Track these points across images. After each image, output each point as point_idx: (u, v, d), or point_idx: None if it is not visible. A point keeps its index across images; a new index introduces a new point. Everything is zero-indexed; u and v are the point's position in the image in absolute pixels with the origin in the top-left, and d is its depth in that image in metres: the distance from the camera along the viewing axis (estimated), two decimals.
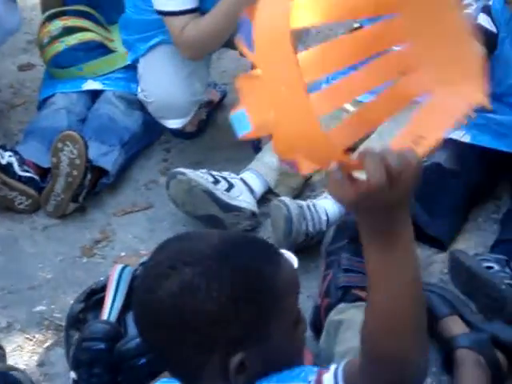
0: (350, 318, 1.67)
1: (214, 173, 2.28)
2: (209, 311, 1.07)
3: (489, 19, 2.20)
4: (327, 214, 2.14)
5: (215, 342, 1.08)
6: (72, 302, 1.93)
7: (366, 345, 1.04)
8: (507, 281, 1.89)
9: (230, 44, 2.56)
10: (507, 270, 1.94)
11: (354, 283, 1.80)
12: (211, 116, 2.72)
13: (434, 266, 2.08)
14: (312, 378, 1.09)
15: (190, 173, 2.22)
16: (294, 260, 1.81)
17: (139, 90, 2.53)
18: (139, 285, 1.18)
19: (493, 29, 2.20)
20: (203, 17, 2.35)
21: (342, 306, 1.76)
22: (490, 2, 2.22)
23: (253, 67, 1.04)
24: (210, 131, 2.69)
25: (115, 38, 2.70)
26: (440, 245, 2.12)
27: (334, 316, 1.75)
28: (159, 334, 1.11)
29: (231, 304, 1.08)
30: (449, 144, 2.22)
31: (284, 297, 1.12)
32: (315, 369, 1.11)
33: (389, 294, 1.00)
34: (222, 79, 2.90)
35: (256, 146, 2.54)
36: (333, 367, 1.09)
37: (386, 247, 0.98)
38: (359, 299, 1.75)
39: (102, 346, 1.76)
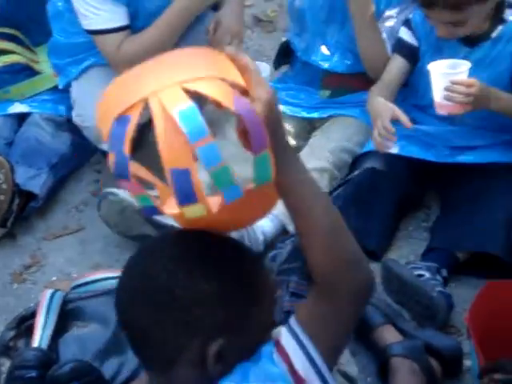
0: None
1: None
2: (202, 291, 1.12)
3: (410, 33, 2.24)
4: (264, 234, 2.15)
5: (200, 323, 1.12)
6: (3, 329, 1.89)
7: (322, 263, 1.16)
8: (438, 288, 1.92)
9: None
10: (438, 277, 1.97)
11: None
12: (143, 134, 2.69)
13: None
14: (272, 349, 1.15)
15: (122, 193, 2.19)
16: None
17: (74, 114, 2.50)
18: (130, 262, 1.20)
19: (414, 42, 2.24)
20: (145, 30, 2.34)
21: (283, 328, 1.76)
22: (411, 16, 2.25)
23: None
24: (142, 150, 2.66)
25: (41, 60, 2.67)
26: (373, 255, 2.14)
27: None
28: (145, 311, 1.14)
29: (223, 287, 1.13)
30: (379, 155, 2.25)
31: (267, 294, 1.19)
32: (271, 343, 1.16)
33: (322, 202, 1.18)
34: None
35: None
36: (282, 329, 1.17)
37: (297, 161, 1.17)
38: None
39: (33, 373, 1.73)
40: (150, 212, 1.15)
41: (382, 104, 2.14)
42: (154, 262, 1.15)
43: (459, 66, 2.03)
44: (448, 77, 2.00)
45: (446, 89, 2.00)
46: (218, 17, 2.43)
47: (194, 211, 1.08)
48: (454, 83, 1.99)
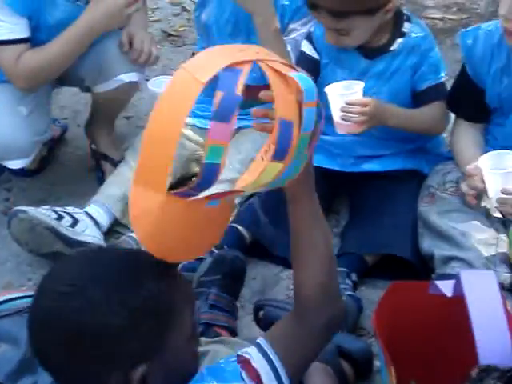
0: (215, 349, 1.69)
1: (58, 209, 2.25)
2: (110, 325, 1.10)
3: (311, 46, 2.29)
4: None
5: (117, 356, 1.11)
6: None
7: (312, 286, 1.29)
8: (348, 292, 1.97)
9: (67, 81, 2.55)
10: (348, 281, 2.02)
11: (216, 321, 1.82)
12: (52, 152, 2.68)
13: (281, 283, 2.14)
14: (237, 368, 1.19)
15: (32, 210, 2.17)
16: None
17: None
18: (37, 304, 1.18)
19: (315, 55, 2.29)
20: (48, 44, 2.31)
21: (202, 339, 1.78)
22: (312, 29, 2.30)
23: None
24: (52, 167, 2.65)
25: None
26: (286, 262, 2.18)
27: None
28: (61, 353, 1.12)
29: (132, 317, 1.11)
30: None
31: (181, 308, 1.17)
32: (233, 361, 1.21)
33: (325, 235, 1.35)
34: (62, 114, 2.87)
35: (100, 178, 2.53)
36: (251, 349, 1.22)
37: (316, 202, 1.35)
38: (218, 336, 1.77)
39: None
40: (209, 174, 1.12)
41: None
42: (59, 298, 1.13)
43: (353, 87, 2.10)
44: (343, 97, 2.07)
45: (342, 109, 2.06)
46: (128, 31, 2.44)
47: (274, 168, 1.17)
48: (348, 103, 2.06)
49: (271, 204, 2.22)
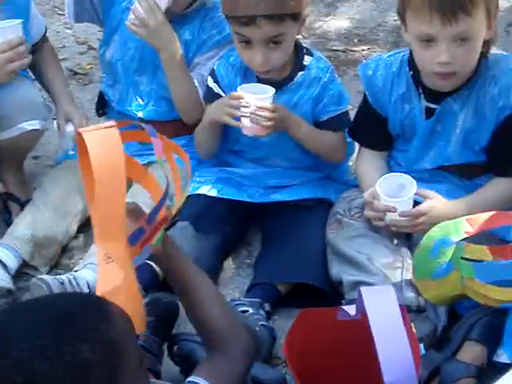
0: None
1: None
2: None
3: (215, 84, 2.32)
4: (89, 286, 2.12)
5: None
6: None
7: (221, 326, 1.54)
8: (261, 322, 1.98)
9: None
10: (261, 311, 2.03)
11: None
12: None
13: None
14: None
15: None
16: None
17: None
18: None
19: (220, 92, 2.32)
20: None
21: None
22: (215, 67, 2.33)
23: None
24: None
25: None
26: None
27: None
28: None
29: (80, 376, 1.09)
30: (199, 199, 2.31)
31: (125, 344, 1.16)
32: None
33: (207, 278, 1.62)
34: None
35: (7, 220, 2.48)
36: None
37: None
38: None
39: None
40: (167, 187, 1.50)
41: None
42: (2, 373, 1.09)
43: (266, 92, 2.16)
44: (254, 102, 2.12)
45: (252, 113, 2.11)
46: (63, 112, 2.48)
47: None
48: (259, 107, 2.11)
49: (184, 238, 2.22)
